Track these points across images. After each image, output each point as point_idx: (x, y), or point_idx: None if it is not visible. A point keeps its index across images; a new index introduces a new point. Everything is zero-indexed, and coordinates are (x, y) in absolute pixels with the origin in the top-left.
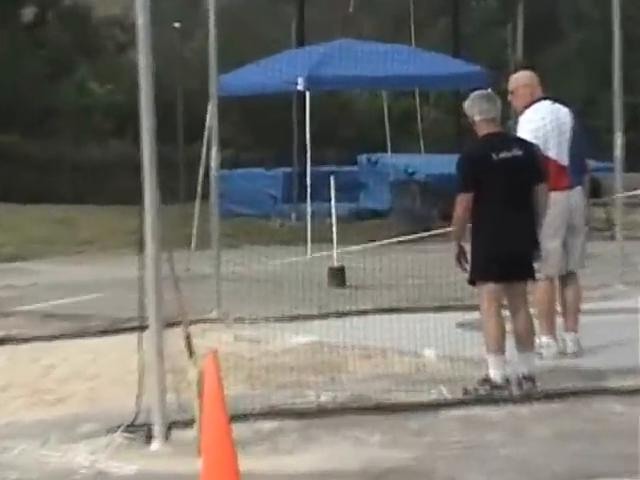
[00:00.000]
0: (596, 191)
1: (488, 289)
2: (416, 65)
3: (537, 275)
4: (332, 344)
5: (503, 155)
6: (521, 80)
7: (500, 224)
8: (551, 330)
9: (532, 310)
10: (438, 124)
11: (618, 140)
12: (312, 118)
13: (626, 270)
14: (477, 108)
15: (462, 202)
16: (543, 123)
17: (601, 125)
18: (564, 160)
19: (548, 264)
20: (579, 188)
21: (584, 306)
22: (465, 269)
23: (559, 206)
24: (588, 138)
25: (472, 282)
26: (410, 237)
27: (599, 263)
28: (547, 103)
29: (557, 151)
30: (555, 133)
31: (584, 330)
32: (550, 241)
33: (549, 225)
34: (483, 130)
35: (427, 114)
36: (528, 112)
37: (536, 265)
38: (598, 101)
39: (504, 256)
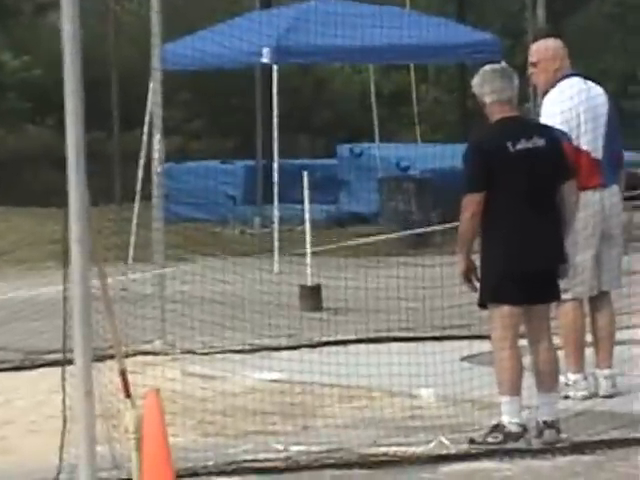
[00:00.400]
0: (636, 191)
1: (502, 313)
2: (411, 32)
3: (563, 296)
4: (305, 382)
5: (521, 145)
6: (546, 51)
7: (518, 232)
8: (580, 365)
9: (556, 340)
10: (438, 107)
11: None
12: (280, 99)
13: None
14: (488, 86)
15: (470, 204)
16: (573, 105)
17: None
18: (598, 152)
19: (577, 282)
20: (615, 187)
21: (620, 335)
22: (474, 288)
23: (591, 209)
24: (625, 125)
25: (483, 304)
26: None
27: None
28: (578, 81)
29: (590, 139)
30: (590, 117)
31: (621, 366)
32: (580, 253)
33: (578, 233)
34: (496, 114)
35: (425, 94)
36: (554, 92)
37: (562, 283)
38: (638, 78)
39: (523, 272)
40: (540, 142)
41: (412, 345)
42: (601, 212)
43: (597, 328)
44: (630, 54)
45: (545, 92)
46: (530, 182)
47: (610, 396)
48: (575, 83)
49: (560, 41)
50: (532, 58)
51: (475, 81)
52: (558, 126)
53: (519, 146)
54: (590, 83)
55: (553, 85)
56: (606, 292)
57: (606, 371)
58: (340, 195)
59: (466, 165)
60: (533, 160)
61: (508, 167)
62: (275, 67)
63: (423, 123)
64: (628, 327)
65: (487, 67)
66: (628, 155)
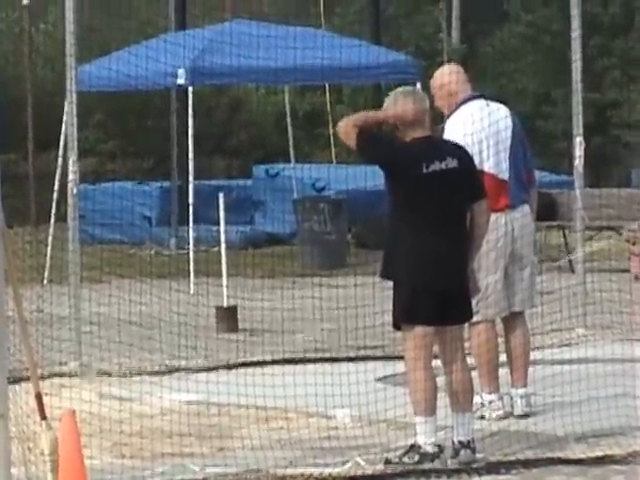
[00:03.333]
0: (552, 211)
1: (415, 334)
2: (326, 53)
3: (474, 317)
4: (221, 404)
5: (435, 167)
6: (442, 76)
7: (430, 252)
8: (494, 385)
9: (470, 360)
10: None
11: (578, 147)
12: (196, 120)
13: (588, 310)
14: (400, 108)
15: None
16: (475, 129)
17: (558, 129)
18: (503, 173)
19: (486, 304)
20: (526, 207)
21: (535, 355)
22: None
23: (498, 232)
24: (539, 145)
25: (397, 325)
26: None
27: (555, 301)
28: (479, 103)
29: (494, 162)
30: (492, 141)
31: (536, 385)
32: (488, 275)
33: (486, 255)
34: (408, 135)
35: (340, 115)
36: (455, 116)
37: (474, 304)
38: (554, 99)
39: (435, 292)
40: (453, 163)
41: (327, 366)
42: (509, 234)
43: (511, 347)
44: (543, 75)
45: (447, 117)
46: (443, 203)
47: (525, 415)
48: (477, 106)
49: (457, 66)
50: (433, 85)
51: (386, 102)
52: None
53: (432, 168)
54: (493, 105)
55: (455, 109)
56: (520, 312)
57: (521, 390)
58: (255, 216)
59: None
60: (446, 182)
61: (421, 189)
62: (190, 88)
63: (339, 145)
64: (542, 347)
65: (399, 89)
66: (543, 175)
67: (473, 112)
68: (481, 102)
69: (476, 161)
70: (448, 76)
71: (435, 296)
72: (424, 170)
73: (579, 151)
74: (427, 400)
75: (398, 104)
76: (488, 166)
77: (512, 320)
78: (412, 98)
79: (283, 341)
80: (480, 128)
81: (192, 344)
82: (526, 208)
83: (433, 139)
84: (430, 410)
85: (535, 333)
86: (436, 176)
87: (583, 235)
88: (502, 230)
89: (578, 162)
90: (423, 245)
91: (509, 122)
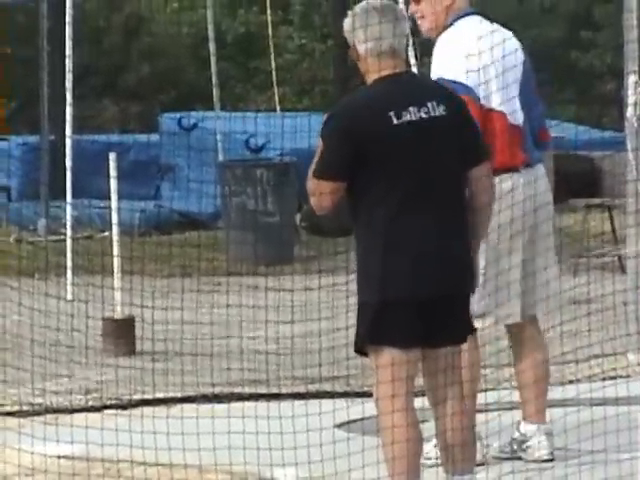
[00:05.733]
0: (592, 184)
1: (388, 361)
2: None
3: (480, 323)
4: (108, 459)
5: (411, 116)
6: None
7: (407, 240)
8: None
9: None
10: (307, 60)
11: (631, 90)
12: (77, 45)
13: None
14: (362, 31)
15: (321, 195)
16: (476, 51)
17: (603, 64)
18: (516, 114)
19: (499, 300)
20: (541, 168)
21: (567, 391)
22: None
23: (516, 195)
24: (566, 85)
25: (361, 349)
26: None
27: (597, 314)
28: (480, 21)
29: (504, 97)
30: (499, 68)
31: (567, 436)
32: (500, 257)
33: (502, 231)
34: (373, 71)
35: (287, 40)
36: (448, 33)
37: (477, 305)
38: (597, 20)
39: (416, 299)
40: (439, 110)
41: (264, 406)
42: (529, 200)
43: (523, 373)
44: None
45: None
46: (423, 168)
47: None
48: (477, 24)
49: None
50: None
51: (346, 23)
52: (462, 79)
53: (407, 117)
54: (498, 26)
55: (445, 29)
56: (534, 318)
57: (542, 427)
58: (163, 187)
59: (323, 141)
60: (427, 136)
61: (390, 148)
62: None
63: (284, 83)
64: (578, 380)
65: (362, 3)
66: (581, 131)
67: (475, 29)
68: (482, 20)
69: (480, 95)
70: None
71: (415, 305)
72: (394, 121)
73: (633, 96)
74: (407, 457)
75: (372, 26)
76: (496, 102)
77: (523, 330)
78: (378, 16)
79: (199, 369)
80: (484, 51)
81: (67, 372)
82: (542, 170)
83: (408, 76)
84: (412, 472)
85: (568, 360)
86: (412, 129)
87: (638, 218)
88: (521, 194)
89: (631, 112)
90: (396, 230)
91: (518, 49)
